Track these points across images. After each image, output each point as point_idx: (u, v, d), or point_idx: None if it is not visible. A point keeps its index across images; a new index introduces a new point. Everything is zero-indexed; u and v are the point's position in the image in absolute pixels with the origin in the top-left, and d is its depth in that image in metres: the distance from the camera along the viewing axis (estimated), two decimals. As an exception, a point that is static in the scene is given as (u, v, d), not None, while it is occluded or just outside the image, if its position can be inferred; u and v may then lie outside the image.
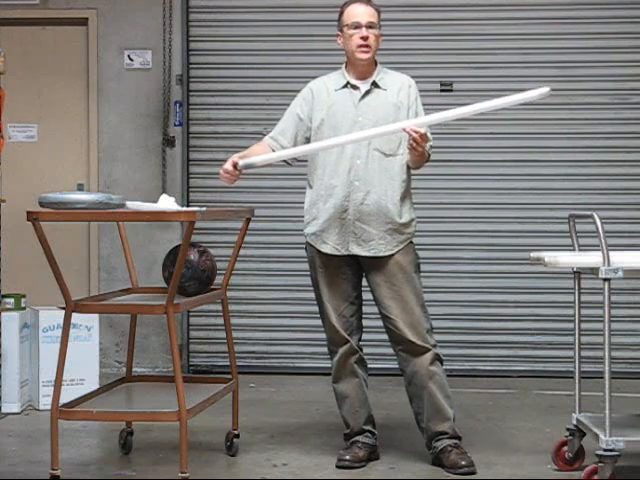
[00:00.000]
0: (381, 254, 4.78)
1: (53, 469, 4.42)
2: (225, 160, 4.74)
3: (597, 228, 4.31)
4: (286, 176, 7.27)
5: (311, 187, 4.91)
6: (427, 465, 4.84)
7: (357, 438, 4.92)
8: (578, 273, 4.72)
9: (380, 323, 4.89)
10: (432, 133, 4.85)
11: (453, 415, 4.84)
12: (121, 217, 4.74)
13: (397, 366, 4.92)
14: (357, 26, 4.75)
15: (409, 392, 4.88)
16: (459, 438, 4.85)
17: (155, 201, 4.79)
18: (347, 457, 4.84)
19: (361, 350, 4.93)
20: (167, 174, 7.44)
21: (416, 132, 4.55)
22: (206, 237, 7.11)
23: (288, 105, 5.01)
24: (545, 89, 4.44)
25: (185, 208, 5.27)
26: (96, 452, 5.31)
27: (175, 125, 7.44)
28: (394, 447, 5.14)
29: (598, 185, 7.27)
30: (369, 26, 4.75)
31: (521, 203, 7.32)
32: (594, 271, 4.38)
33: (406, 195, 4.84)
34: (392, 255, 4.79)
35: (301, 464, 4.90)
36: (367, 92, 4.81)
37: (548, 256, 4.53)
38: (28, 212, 4.37)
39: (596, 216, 4.35)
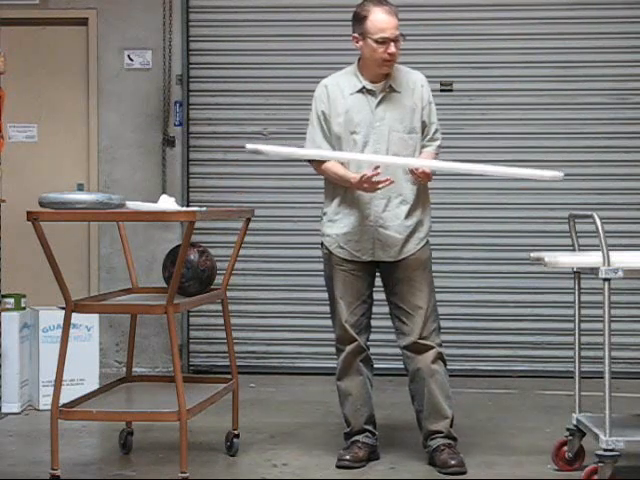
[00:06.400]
0: (403, 256, 4.80)
1: (53, 469, 4.42)
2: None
3: (597, 228, 4.31)
4: (286, 176, 7.28)
5: (332, 190, 4.88)
6: (427, 465, 4.84)
7: (357, 438, 4.91)
8: (578, 273, 4.72)
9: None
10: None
11: (452, 416, 4.84)
12: (121, 217, 4.74)
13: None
14: (384, 41, 4.67)
15: (411, 390, 4.89)
16: (454, 439, 4.84)
17: (155, 201, 4.79)
18: (347, 457, 4.84)
19: (368, 349, 4.92)
20: (167, 174, 7.44)
21: (424, 173, 4.64)
22: (206, 237, 7.10)
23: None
24: (559, 174, 4.56)
25: (185, 208, 5.27)
26: (96, 452, 5.31)
27: (175, 125, 7.43)
28: (394, 447, 5.14)
29: (598, 185, 7.27)
30: (396, 40, 4.70)
31: (521, 203, 7.32)
32: (594, 271, 4.37)
33: (424, 195, 4.87)
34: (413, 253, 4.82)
35: (301, 464, 4.90)
36: (383, 97, 4.78)
37: (548, 256, 4.53)
38: (28, 212, 4.37)
39: (596, 216, 4.34)
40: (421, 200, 4.87)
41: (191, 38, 7.47)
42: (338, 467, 4.82)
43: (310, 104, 4.73)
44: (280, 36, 7.41)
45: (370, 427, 4.94)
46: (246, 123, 7.42)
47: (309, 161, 4.91)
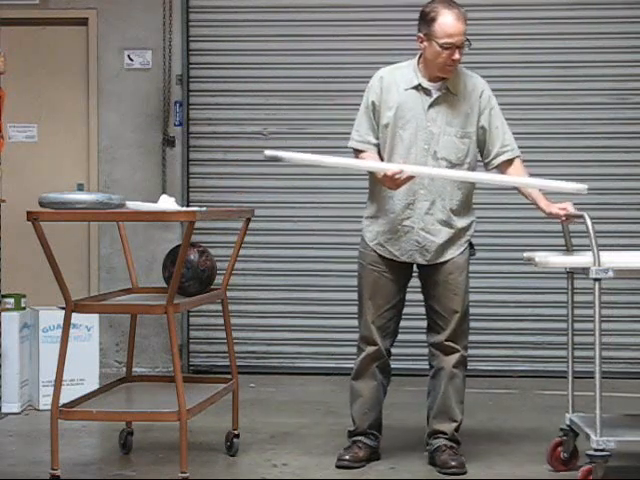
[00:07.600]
0: (442, 260, 4.78)
1: (53, 469, 4.43)
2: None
3: (587, 228, 4.32)
4: (286, 176, 7.29)
5: (375, 186, 4.80)
6: (427, 465, 4.84)
7: (359, 438, 4.92)
8: (571, 273, 4.73)
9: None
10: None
11: (460, 421, 4.86)
12: (121, 217, 4.74)
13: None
14: (450, 47, 4.61)
15: (429, 385, 4.92)
16: (457, 442, 4.85)
17: (155, 201, 4.79)
18: (347, 457, 4.84)
19: (389, 356, 4.90)
20: (167, 174, 7.44)
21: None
22: (206, 237, 7.10)
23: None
24: (583, 187, 4.57)
25: (185, 208, 5.27)
26: (96, 452, 5.31)
27: (175, 125, 7.44)
28: (394, 447, 5.14)
29: (597, 185, 7.24)
30: (461, 46, 4.64)
31: (521, 203, 7.24)
32: (585, 271, 4.38)
33: (469, 200, 4.81)
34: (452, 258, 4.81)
35: (301, 464, 4.91)
36: (437, 98, 4.69)
37: (539, 256, 4.55)
38: (28, 212, 4.37)
39: (587, 216, 4.36)
40: (465, 207, 4.78)
41: (191, 38, 7.47)
42: (338, 467, 4.82)
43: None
44: (280, 36, 7.41)
45: (374, 431, 4.94)
46: (246, 123, 7.43)
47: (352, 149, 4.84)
